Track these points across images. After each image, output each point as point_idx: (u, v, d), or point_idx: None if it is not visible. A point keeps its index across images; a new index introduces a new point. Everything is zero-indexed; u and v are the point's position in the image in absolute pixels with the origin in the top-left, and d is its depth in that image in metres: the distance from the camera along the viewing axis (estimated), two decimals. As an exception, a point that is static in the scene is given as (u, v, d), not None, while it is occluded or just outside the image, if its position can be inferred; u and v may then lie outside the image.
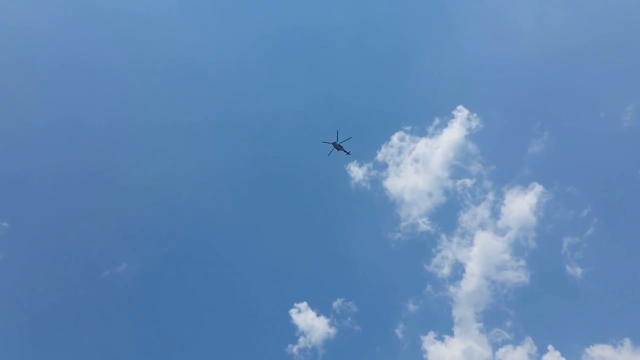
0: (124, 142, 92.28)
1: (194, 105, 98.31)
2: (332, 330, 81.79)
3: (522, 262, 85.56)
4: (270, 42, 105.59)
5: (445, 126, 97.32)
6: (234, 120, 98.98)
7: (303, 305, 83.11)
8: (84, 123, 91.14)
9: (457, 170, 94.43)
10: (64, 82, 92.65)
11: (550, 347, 78.49)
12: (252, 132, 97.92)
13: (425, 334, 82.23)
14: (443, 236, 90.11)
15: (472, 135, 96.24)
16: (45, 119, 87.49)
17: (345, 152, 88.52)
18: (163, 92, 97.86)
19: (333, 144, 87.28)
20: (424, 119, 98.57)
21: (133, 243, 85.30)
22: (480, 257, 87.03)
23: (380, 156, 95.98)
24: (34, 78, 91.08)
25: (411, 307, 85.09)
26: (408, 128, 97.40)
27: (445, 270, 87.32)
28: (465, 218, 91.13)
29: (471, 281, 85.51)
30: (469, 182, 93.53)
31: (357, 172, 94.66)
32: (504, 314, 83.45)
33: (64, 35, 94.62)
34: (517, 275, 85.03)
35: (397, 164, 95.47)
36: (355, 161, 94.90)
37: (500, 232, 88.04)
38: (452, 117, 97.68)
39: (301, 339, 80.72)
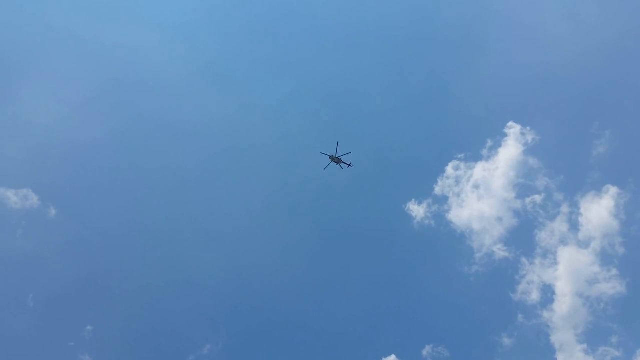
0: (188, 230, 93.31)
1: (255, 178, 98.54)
2: (428, 380, 78.14)
3: (614, 271, 79.95)
4: (313, 85, 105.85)
5: (500, 146, 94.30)
6: (293, 182, 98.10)
7: (392, 358, 79.98)
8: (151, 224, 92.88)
9: (522, 188, 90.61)
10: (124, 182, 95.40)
11: (669, 358, 71.78)
12: (310, 186, 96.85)
13: (528, 367, 77.23)
14: (524, 260, 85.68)
15: (530, 150, 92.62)
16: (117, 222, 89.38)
17: (346, 164, 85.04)
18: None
19: (331, 157, 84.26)
20: (475, 143, 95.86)
21: (213, 323, 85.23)
22: (568, 274, 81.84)
23: (438, 190, 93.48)
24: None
25: (506, 341, 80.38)
26: (461, 155, 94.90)
27: (534, 296, 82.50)
28: (543, 236, 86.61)
29: (564, 302, 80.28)
30: (538, 198, 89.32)
31: (417, 210, 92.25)
32: (608, 329, 77.55)
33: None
34: (611, 287, 79.34)
35: (458, 195, 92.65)
36: (413, 200, 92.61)
37: (584, 244, 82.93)
38: (505, 135, 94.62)
39: (397, 395, 77.45)
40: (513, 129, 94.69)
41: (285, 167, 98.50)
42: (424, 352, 80.00)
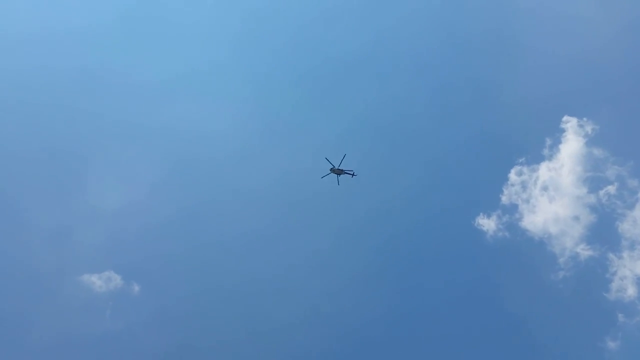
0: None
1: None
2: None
3: None
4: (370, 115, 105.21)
5: (560, 142, 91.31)
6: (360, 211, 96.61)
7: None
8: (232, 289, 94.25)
9: (593, 181, 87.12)
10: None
11: None
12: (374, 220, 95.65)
13: (642, 369, 72.79)
14: (611, 256, 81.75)
15: (592, 140, 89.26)
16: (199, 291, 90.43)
17: (350, 174, 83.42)
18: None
19: (332, 170, 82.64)
20: (534, 144, 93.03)
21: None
22: (662, 262, 77.51)
23: (504, 199, 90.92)
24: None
25: (611, 344, 76.32)
26: (522, 159, 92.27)
27: (631, 291, 78.36)
28: (626, 227, 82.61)
29: (665, 292, 75.86)
30: (611, 188, 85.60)
31: (487, 224, 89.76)
32: None
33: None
34: None
35: (527, 200, 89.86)
36: (480, 214, 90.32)
37: (672, 227, 78.57)
38: (563, 130, 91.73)
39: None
40: (569, 123, 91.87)
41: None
42: (526, 370, 77.18)
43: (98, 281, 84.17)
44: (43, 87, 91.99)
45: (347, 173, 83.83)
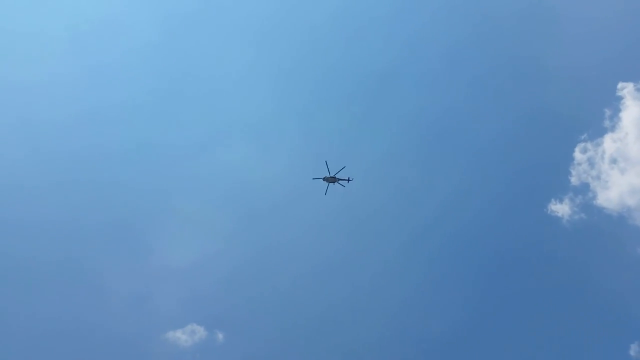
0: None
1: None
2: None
3: None
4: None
5: (619, 110, 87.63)
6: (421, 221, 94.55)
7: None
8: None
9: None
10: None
11: None
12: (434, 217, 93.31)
13: None
14: (699, 218, 77.68)
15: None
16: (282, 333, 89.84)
17: (345, 180, 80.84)
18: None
19: (325, 178, 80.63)
20: (593, 118, 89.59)
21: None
22: None
23: (574, 180, 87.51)
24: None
25: None
26: (584, 136, 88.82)
27: None
28: None
29: None
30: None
31: (561, 209, 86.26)
32: None
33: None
34: None
35: (598, 177, 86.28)
36: (552, 200, 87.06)
37: None
38: (620, 97, 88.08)
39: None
40: (626, 89, 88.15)
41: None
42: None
43: (183, 336, 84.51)
44: (106, 160, 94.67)
45: (342, 180, 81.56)
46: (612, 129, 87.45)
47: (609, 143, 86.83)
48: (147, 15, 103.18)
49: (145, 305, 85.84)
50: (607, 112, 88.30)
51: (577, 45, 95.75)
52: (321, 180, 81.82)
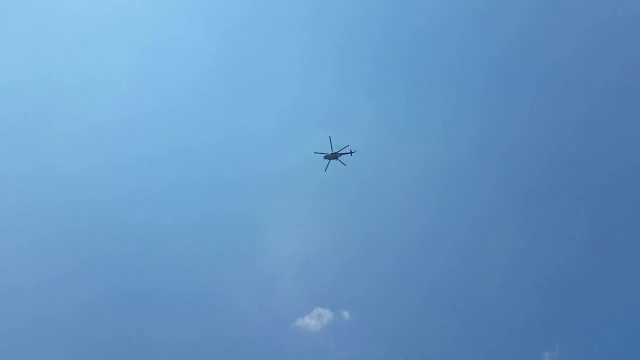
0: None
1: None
2: None
3: None
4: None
5: None
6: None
7: None
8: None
9: None
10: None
11: None
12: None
13: None
14: None
15: None
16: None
17: (348, 153, 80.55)
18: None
19: (326, 156, 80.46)
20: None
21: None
22: None
23: None
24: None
25: None
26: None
27: None
28: None
29: None
30: None
31: None
32: None
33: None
34: None
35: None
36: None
37: None
38: None
39: None
40: None
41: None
42: None
43: (311, 321, 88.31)
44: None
45: (344, 154, 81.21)
46: None
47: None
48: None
49: (270, 299, 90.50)
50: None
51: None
52: (322, 156, 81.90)
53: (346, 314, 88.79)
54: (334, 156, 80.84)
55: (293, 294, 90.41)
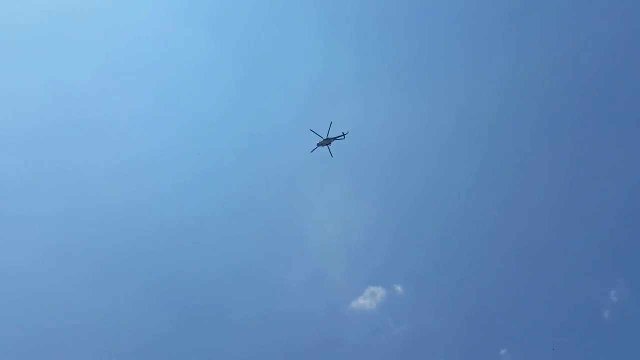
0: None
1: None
2: None
3: None
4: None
5: None
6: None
7: None
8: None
9: None
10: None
11: None
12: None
13: None
14: None
15: None
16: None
17: (341, 136, 77.82)
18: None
19: (319, 143, 77.68)
20: None
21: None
22: None
23: None
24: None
25: None
26: None
27: None
28: None
29: None
30: None
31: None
32: None
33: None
34: None
35: None
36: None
37: None
38: None
39: None
40: None
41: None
42: None
43: (366, 301, 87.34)
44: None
45: (337, 139, 78.41)
46: None
47: None
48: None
49: (320, 286, 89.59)
50: None
51: None
52: (317, 147, 79.26)
53: (399, 288, 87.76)
54: (327, 142, 78.62)
55: (342, 278, 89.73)
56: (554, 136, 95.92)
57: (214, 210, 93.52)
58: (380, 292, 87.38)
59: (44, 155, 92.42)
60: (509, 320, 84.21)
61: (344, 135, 77.83)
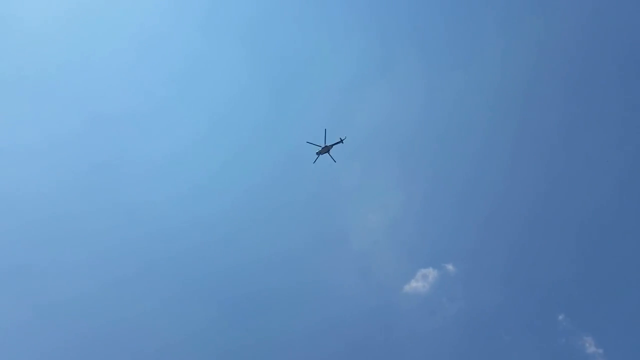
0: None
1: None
2: None
3: None
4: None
5: None
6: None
7: None
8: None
9: None
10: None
11: None
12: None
13: None
14: None
15: None
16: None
17: (339, 142, 76.97)
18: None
19: (319, 151, 77.39)
20: None
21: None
22: None
23: None
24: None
25: None
26: None
27: None
28: None
29: None
30: None
31: None
32: None
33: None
34: None
35: None
36: None
37: None
38: None
39: None
40: None
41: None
42: None
43: (418, 283, 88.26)
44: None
45: (336, 144, 77.64)
46: None
47: None
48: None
49: (372, 273, 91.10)
50: None
51: None
52: (316, 155, 78.74)
53: (450, 267, 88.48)
54: (325, 150, 78.33)
55: (392, 263, 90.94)
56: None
57: (267, 206, 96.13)
58: (431, 273, 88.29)
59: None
60: (564, 287, 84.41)
61: (341, 140, 77.48)
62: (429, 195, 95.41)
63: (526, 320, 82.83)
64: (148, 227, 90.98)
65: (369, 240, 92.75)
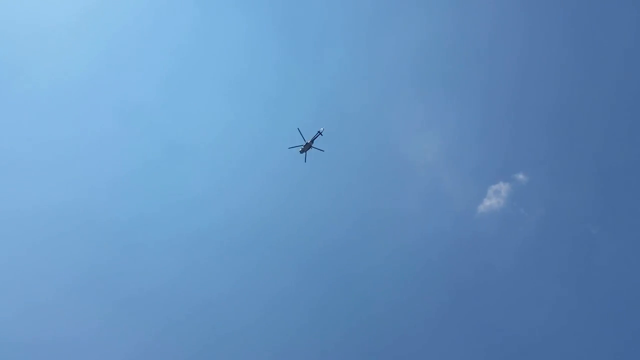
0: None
1: None
2: None
3: None
4: None
5: None
6: None
7: None
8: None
9: None
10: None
11: None
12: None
13: None
14: None
15: None
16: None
17: (318, 134, 73.58)
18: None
19: (302, 149, 74.30)
20: None
21: None
22: None
23: None
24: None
25: None
26: None
27: None
28: None
29: None
30: None
31: None
32: None
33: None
34: None
35: None
36: None
37: None
38: None
39: None
40: None
41: None
42: None
43: (492, 200, 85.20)
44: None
45: (315, 137, 74.10)
46: None
47: None
48: None
49: (443, 200, 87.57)
50: None
51: None
52: (299, 152, 75.38)
53: (521, 177, 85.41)
54: (308, 147, 75.15)
55: (460, 187, 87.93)
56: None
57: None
58: (503, 187, 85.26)
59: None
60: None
61: (319, 133, 73.95)
62: (478, 110, 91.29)
63: (613, 213, 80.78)
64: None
65: (430, 168, 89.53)
